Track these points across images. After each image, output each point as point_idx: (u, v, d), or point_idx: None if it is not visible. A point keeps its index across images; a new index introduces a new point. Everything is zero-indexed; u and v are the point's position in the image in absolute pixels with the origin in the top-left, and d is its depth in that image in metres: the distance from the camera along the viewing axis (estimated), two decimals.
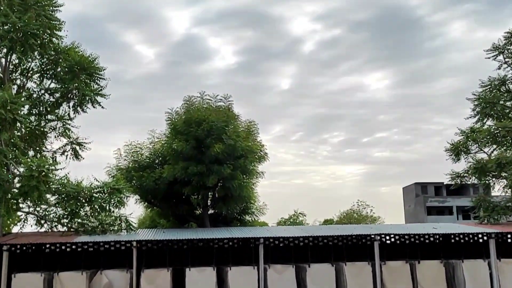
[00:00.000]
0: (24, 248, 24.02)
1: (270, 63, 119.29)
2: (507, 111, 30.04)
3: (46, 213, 23.83)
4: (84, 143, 25.97)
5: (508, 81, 30.04)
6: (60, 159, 25.77)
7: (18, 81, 25.17)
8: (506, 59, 29.96)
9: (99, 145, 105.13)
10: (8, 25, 22.41)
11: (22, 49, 22.93)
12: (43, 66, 25.12)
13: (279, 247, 26.19)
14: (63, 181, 22.83)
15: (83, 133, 26.64)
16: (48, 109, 25.31)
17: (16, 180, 22.93)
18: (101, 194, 23.40)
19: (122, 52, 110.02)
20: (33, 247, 24.03)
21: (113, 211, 24.08)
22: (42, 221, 23.83)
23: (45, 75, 25.28)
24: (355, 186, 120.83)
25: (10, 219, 29.35)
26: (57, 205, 23.35)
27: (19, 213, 24.46)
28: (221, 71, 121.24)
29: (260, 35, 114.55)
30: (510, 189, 29.37)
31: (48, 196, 22.95)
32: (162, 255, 24.93)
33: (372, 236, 25.30)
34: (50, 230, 24.11)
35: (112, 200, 23.60)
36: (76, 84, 24.43)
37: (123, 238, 23.86)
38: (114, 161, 32.25)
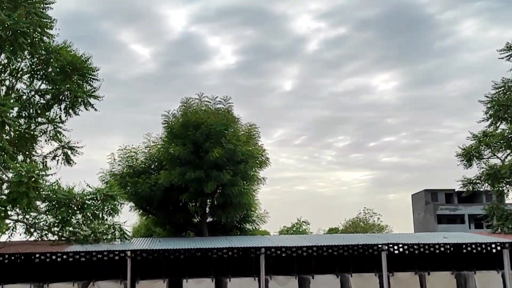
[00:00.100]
0: (13, 258, 24.03)
1: (272, 63, 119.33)
2: None
3: (36, 221, 23.81)
4: (76, 147, 26.00)
5: None
6: (50, 164, 25.84)
7: (7, 82, 25.20)
8: None
9: (92, 150, 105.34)
10: None
11: (11, 48, 22.94)
12: (33, 66, 25.15)
13: (281, 257, 26.16)
14: (54, 187, 22.81)
15: (75, 137, 26.69)
16: (39, 111, 25.34)
17: (4, 186, 22.92)
18: (93, 201, 23.38)
19: (116, 52, 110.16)
20: (22, 257, 24.03)
21: (106, 219, 24.06)
22: (32, 230, 23.80)
23: (36, 76, 25.31)
24: (361, 193, 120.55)
25: None
26: (47, 212, 23.33)
27: (7, 221, 24.44)
28: (221, 71, 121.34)
29: (262, 33, 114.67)
30: None
31: (38, 203, 22.95)
32: (157, 265, 24.92)
33: (380, 245, 25.27)
34: (40, 239, 24.09)
35: (106, 207, 23.58)
36: (68, 85, 24.46)
37: (116, 248, 23.84)
38: (107, 166, 32.25)
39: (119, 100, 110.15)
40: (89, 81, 25.39)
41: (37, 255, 24.07)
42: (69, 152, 25.99)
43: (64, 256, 24.33)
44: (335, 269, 24.99)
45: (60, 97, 25.12)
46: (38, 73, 25.23)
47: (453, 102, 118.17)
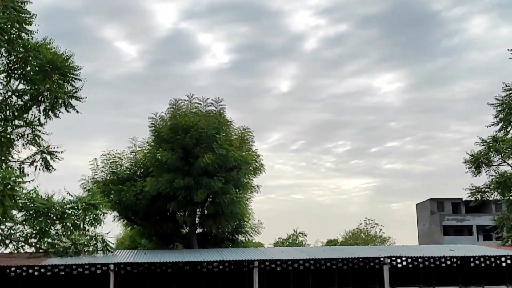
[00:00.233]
0: None
1: (268, 63, 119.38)
2: None
3: (12, 231, 23.73)
4: (56, 152, 25.93)
5: None
6: (28, 170, 25.73)
7: None
8: None
9: (73, 155, 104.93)
10: None
11: None
12: (10, 65, 25.08)
13: (276, 271, 26.16)
14: (31, 195, 22.73)
15: (55, 141, 26.59)
16: (16, 113, 25.26)
17: None
18: (74, 211, 23.32)
19: (100, 50, 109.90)
20: None
21: (88, 230, 23.99)
22: (7, 241, 23.70)
23: (13, 75, 25.24)
24: (362, 202, 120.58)
25: None
26: (24, 222, 23.26)
27: None
28: (212, 71, 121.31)
29: (257, 31, 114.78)
30: None
31: (14, 212, 22.85)
32: (143, 280, 24.87)
33: (382, 259, 25.31)
34: (16, 251, 23.98)
35: (87, 217, 23.52)
36: (48, 86, 24.40)
37: (99, 261, 23.76)
38: (89, 173, 32.21)
39: (102, 102, 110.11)
40: (70, 81, 25.34)
41: (13, 269, 23.94)
42: (48, 157, 25.90)
43: (42, 270, 24.20)
44: (334, 283, 25.01)
45: (39, 98, 25.03)
46: (15, 72, 25.15)
47: (461, 105, 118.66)
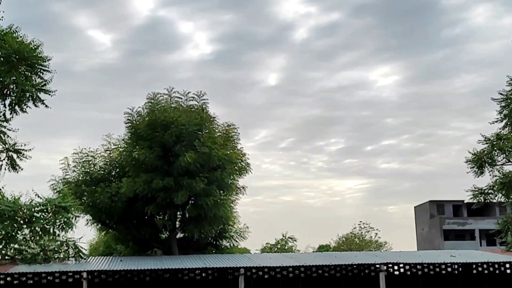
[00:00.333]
0: None
1: (254, 54, 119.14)
2: None
3: None
4: (23, 150, 25.78)
5: None
6: None
7: None
8: None
9: (42, 153, 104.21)
10: None
11: None
12: None
13: (263, 279, 26.19)
14: None
15: (22, 138, 26.41)
16: None
17: None
18: (43, 214, 23.22)
19: (71, 39, 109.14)
20: None
21: (58, 235, 23.91)
22: None
23: None
24: (356, 205, 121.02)
25: None
26: None
27: None
28: (194, 62, 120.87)
29: (242, 19, 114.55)
30: None
31: None
32: None
33: (377, 265, 25.41)
34: None
35: (58, 221, 23.43)
36: (14, 78, 24.24)
37: (71, 268, 23.66)
38: (60, 173, 32.03)
39: (74, 96, 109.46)
40: (38, 73, 25.19)
41: None
42: (14, 155, 25.75)
43: (8, 278, 24.05)
44: None
45: (5, 91, 24.87)
46: None
47: (462, 100, 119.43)
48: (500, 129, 31.50)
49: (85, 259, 25.01)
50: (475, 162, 31.95)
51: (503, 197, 31.50)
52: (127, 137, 31.54)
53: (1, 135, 25.56)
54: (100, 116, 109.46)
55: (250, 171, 31.74)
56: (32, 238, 23.63)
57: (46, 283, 24.39)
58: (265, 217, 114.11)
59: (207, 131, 29.95)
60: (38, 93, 25.18)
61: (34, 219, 22.87)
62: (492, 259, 26.94)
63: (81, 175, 31.59)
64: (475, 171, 32.10)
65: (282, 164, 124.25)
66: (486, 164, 31.82)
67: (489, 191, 31.82)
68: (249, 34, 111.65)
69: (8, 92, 24.96)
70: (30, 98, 25.17)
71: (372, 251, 62.24)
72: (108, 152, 33.04)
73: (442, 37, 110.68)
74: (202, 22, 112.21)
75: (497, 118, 31.23)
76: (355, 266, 26.48)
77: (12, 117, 25.53)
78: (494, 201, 32.80)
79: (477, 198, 32.27)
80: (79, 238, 25.08)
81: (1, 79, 24.51)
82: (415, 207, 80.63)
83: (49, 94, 25.44)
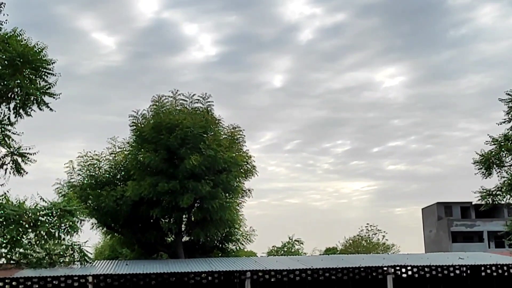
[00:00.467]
0: None
1: (259, 55, 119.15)
2: None
3: None
4: (27, 153, 25.78)
5: None
6: None
7: None
8: None
9: (47, 157, 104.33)
10: None
11: None
12: None
13: (270, 282, 26.18)
14: (1, 201, 22.64)
15: (27, 142, 26.45)
16: None
17: None
18: (48, 218, 23.25)
19: (75, 41, 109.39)
20: None
21: (63, 239, 23.94)
22: None
23: None
24: (363, 207, 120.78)
25: None
26: None
27: None
28: (199, 65, 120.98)
29: (247, 20, 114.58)
30: None
31: None
32: None
33: (385, 268, 25.36)
34: None
35: (63, 225, 23.46)
36: (18, 81, 24.28)
37: (76, 272, 23.69)
38: (65, 176, 32.12)
39: (78, 99, 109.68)
40: (43, 76, 25.21)
41: None
42: (19, 159, 25.73)
43: (14, 283, 24.12)
44: None
45: (9, 95, 24.91)
46: None
47: (469, 101, 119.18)
48: (507, 129, 31.38)
49: (90, 263, 25.04)
50: (483, 163, 31.82)
51: (511, 198, 31.39)
52: (132, 140, 31.59)
53: (6, 138, 25.58)
54: (105, 119, 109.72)
55: (256, 174, 31.80)
56: (37, 242, 23.66)
57: (51, 287, 24.43)
58: (271, 220, 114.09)
59: (212, 133, 29.96)
60: (43, 96, 25.18)
61: (39, 223, 22.91)
62: (501, 261, 26.87)
63: (86, 179, 31.65)
64: (482, 172, 31.97)
65: (288, 166, 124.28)
66: (494, 165, 31.69)
67: (497, 192, 31.67)
68: (254, 35, 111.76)
69: (13, 95, 25.00)
70: (35, 102, 25.18)
71: (380, 253, 62.10)
72: (113, 155, 33.09)
73: (448, 38, 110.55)
74: (206, 24, 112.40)
75: (505, 119, 31.12)
76: (362, 269, 26.43)
77: (17, 120, 25.56)
78: (503, 202, 32.65)
79: (485, 200, 32.11)
80: (85, 242, 25.16)
81: (5, 82, 24.54)
82: (422, 209, 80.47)
83: (54, 97, 25.46)
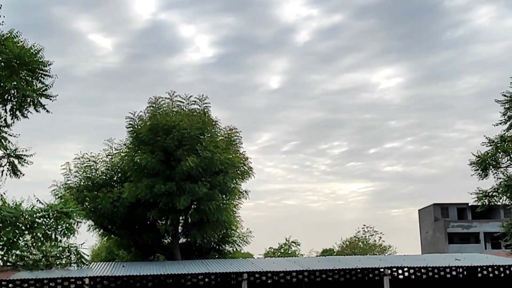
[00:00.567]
0: None
1: (256, 57, 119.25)
2: None
3: None
4: (24, 155, 25.76)
5: None
6: None
7: None
8: None
9: (43, 158, 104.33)
10: None
11: None
12: None
13: (266, 284, 26.18)
14: None
15: (23, 144, 26.41)
16: None
17: None
18: (45, 220, 23.21)
19: (72, 43, 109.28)
20: None
21: (60, 241, 23.88)
22: None
23: None
24: (360, 208, 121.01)
25: None
26: None
27: None
28: (196, 66, 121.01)
29: (244, 22, 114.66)
30: None
31: None
32: None
33: (382, 269, 25.38)
34: None
35: (59, 226, 23.41)
36: (15, 83, 24.23)
37: (73, 274, 23.67)
38: (61, 178, 32.08)
39: (75, 100, 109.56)
40: (39, 78, 25.17)
41: None
42: (16, 161, 25.72)
43: (10, 285, 24.07)
44: None
45: (5, 97, 24.87)
46: None
47: (466, 102, 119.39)
48: (504, 131, 31.48)
49: (87, 265, 25.00)
50: (479, 164, 31.91)
51: (507, 199, 31.46)
52: (129, 141, 31.59)
53: (2, 140, 25.53)
54: (102, 121, 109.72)
55: (253, 175, 31.81)
56: (34, 244, 23.61)
57: None
58: (268, 221, 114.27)
59: (209, 135, 29.97)
60: (39, 98, 25.14)
61: (35, 225, 22.85)
62: (497, 262, 26.90)
63: (83, 180, 31.62)
64: (479, 173, 32.06)
65: (285, 167, 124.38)
66: (490, 167, 31.79)
67: (494, 193, 31.76)
68: (251, 37, 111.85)
69: (9, 97, 24.96)
70: (31, 103, 25.14)
71: (376, 255, 62.16)
72: (110, 157, 33.07)
73: (445, 39, 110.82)
74: (203, 25, 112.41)
75: (501, 120, 31.23)
76: (359, 270, 26.45)
77: (13, 122, 25.51)
78: (499, 203, 32.76)
79: (482, 201, 32.21)
80: (81, 244, 25.08)
81: (2, 84, 24.50)
82: (419, 210, 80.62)
83: (50, 99, 25.41)
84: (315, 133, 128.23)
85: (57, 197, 30.34)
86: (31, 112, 25.46)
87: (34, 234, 23.09)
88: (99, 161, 32.70)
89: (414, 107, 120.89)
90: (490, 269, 27.36)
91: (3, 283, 23.78)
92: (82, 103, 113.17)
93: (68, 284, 24.37)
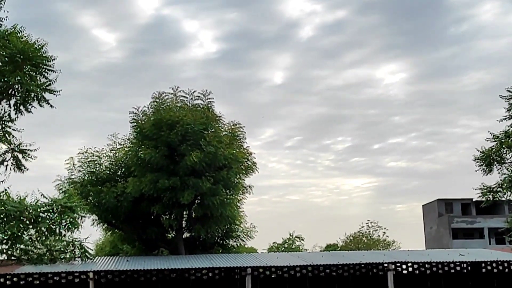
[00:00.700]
0: None
1: (260, 52, 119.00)
2: None
3: None
4: (28, 150, 25.77)
5: None
6: None
7: None
8: None
9: (47, 153, 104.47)
10: None
11: None
12: None
13: (270, 278, 26.18)
14: (1, 197, 22.65)
15: (27, 138, 26.41)
16: None
17: None
18: (49, 214, 23.24)
19: (75, 38, 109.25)
20: None
21: (64, 235, 23.93)
22: None
23: None
24: (364, 204, 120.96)
25: None
26: None
27: None
28: (199, 61, 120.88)
29: (247, 17, 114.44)
30: None
31: None
32: None
33: (386, 264, 25.38)
34: None
35: (63, 221, 23.45)
36: (19, 78, 24.25)
37: (77, 268, 23.73)
38: (65, 173, 32.15)
39: (79, 95, 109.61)
40: (43, 73, 25.17)
41: None
42: (20, 156, 25.74)
43: (15, 279, 24.14)
44: None
45: (9, 92, 24.89)
46: None
47: (470, 98, 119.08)
48: (508, 126, 31.41)
49: (91, 259, 25.06)
50: (484, 160, 31.86)
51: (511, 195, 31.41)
52: (133, 136, 31.62)
53: (6, 135, 25.56)
54: (105, 116, 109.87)
55: (257, 170, 31.84)
56: (38, 238, 23.66)
57: (52, 283, 24.46)
58: (272, 216, 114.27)
59: (212, 130, 29.98)
60: (43, 93, 25.15)
61: (40, 220, 22.90)
62: (502, 257, 26.87)
63: (87, 175, 31.69)
64: (483, 169, 32.01)
65: (289, 163, 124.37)
66: (495, 162, 31.74)
67: (498, 189, 31.71)
68: (254, 32, 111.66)
69: (13, 92, 24.98)
70: (35, 98, 25.16)
71: (380, 250, 62.19)
72: (114, 152, 33.12)
73: (449, 34, 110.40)
74: (207, 20, 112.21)
75: (505, 116, 31.15)
76: (363, 266, 26.45)
77: (17, 117, 25.53)
78: (503, 199, 32.70)
79: (486, 196, 32.16)
80: (85, 238, 25.13)
81: (5, 79, 24.51)
82: (423, 205, 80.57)
83: (54, 94, 25.42)
84: (318, 129, 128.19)
85: (61, 191, 30.39)
86: (35, 107, 25.49)
87: (38, 228, 23.13)
88: (103, 156, 32.77)
89: (418, 103, 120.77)
90: (494, 265, 27.32)
91: (7, 276, 23.86)
92: (85, 98, 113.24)
93: (72, 278, 24.42)
